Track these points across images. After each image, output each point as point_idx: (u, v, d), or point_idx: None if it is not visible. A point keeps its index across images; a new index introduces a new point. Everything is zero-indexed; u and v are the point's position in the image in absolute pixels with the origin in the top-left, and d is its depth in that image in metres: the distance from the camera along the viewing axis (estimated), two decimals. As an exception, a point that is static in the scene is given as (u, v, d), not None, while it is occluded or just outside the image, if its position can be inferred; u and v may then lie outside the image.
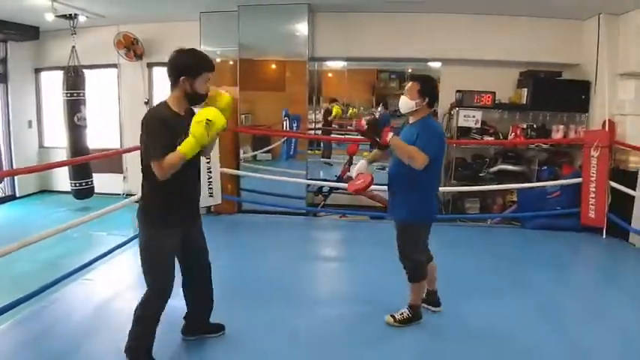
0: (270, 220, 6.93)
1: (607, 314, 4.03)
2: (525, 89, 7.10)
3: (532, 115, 7.21)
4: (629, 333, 3.68)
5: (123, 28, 8.11)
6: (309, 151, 8.04)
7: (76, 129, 7.65)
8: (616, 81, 6.53)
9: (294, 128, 7.76)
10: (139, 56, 8.26)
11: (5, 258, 3.67)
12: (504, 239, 6.33)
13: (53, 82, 8.52)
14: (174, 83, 2.75)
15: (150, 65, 8.51)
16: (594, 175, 6.23)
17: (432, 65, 7.58)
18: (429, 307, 3.91)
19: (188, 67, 2.74)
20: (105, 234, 6.36)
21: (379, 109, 8.41)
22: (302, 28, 7.21)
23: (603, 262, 5.76)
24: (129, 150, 6.48)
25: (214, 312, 3.42)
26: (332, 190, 7.62)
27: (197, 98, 2.83)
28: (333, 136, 8.83)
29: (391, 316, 3.68)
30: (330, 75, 8.68)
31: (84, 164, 7.66)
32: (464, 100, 7.03)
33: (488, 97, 6.98)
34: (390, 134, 3.25)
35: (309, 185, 7.53)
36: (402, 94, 3.48)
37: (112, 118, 8.81)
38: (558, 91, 6.96)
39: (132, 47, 8.16)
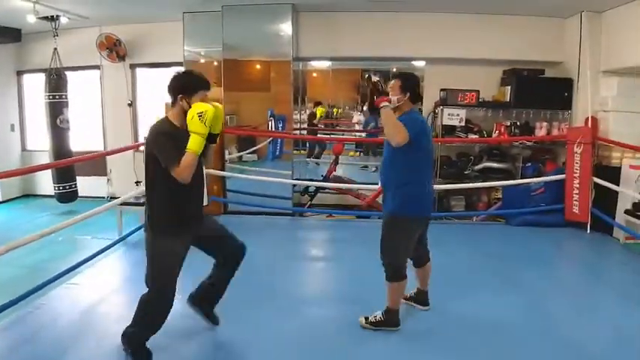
0: (257, 220, 6.90)
1: (595, 309, 4.08)
2: (509, 87, 7.17)
3: (515, 113, 7.27)
4: (617, 327, 3.72)
5: (105, 29, 8.06)
6: (295, 151, 8.03)
7: (58, 132, 7.57)
8: (598, 78, 6.61)
9: (280, 128, 7.74)
10: (121, 57, 8.20)
11: (-11, 263, 3.63)
12: (490, 236, 6.36)
13: (36, 85, 8.41)
14: (174, 101, 3.02)
15: (133, 66, 8.46)
16: (578, 171, 6.29)
17: (416, 64, 7.61)
18: (417, 305, 3.91)
19: (185, 86, 2.99)
20: (89, 237, 6.30)
21: (365, 107, 8.44)
22: (286, 28, 7.19)
23: (589, 257, 5.81)
24: (112, 152, 6.45)
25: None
26: (318, 190, 7.63)
27: None
28: (318, 135, 8.85)
29: (364, 317, 3.63)
30: (314, 75, 8.69)
31: (67, 167, 7.58)
32: (448, 98, 7.07)
33: (472, 95, 7.03)
34: (385, 102, 3.35)
35: (295, 185, 7.52)
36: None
37: (95, 120, 8.73)
38: (541, 89, 7.04)
39: (114, 48, 8.10)
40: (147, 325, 3.09)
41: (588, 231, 6.27)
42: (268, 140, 8.07)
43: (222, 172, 7.12)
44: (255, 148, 8.14)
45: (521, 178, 7.10)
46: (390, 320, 3.57)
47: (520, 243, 5.99)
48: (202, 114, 2.82)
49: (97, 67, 8.47)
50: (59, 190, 7.70)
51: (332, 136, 9.04)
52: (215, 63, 7.56)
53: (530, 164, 7.28)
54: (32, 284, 4.08)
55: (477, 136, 7.28)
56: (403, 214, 3.42)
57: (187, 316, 3.54)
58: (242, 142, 8.02)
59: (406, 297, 3.90)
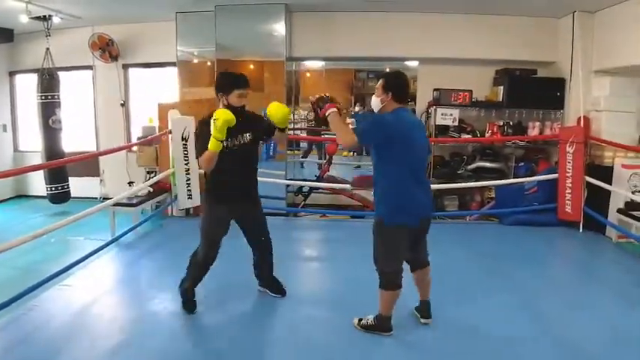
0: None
1: (588, 308, 4.08)
2: (501, 87, 7.20)
3: (508, 113, 7.30)
4: (611, 325, 3.73)
5: (98, 29, 8.01)
6: (289, 152, 8.02)
7: (51, 132, 7.51)
8: (591, 78, 6.63)
9: (274, 128, 7.70)
10: (114, 57, 8.16)
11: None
12: (483, 235, 6.38)
13: (28, 85, 8.36)
14: (218, 99, 3.61)
15: (125, 66, 8.42)
16: (570, 170, 6.32)
17: (409, 64, 7.62)
18: (418, 316, 3.71)
19: (222, 85, 3.62)
20: (82, 238, 6.26)
21: (357, 108, 8.45)
22: (279, 28, 7.18)
23: (582, 256, 5.84)
24: (105, 152, 6.40)
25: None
26: (312, 190, 7.63)
27: (232, 109, 3.48)
28: (310, 136, 8.85)
29: (358, 319, 3.59)
30: (308, 75, 8.69)
31: (60, 168, 7.51)
32: (441, 98, 7.09)
33: (466, 95, 7.06)
34: (330, 110, 3.35)
35: (288, 185, 7.52)
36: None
37: (87, 120, 8.69)
38: (534, 89, 7.07)
39: (107, 48, 8.06)
40: (192, 277, 3.79)
41: (581, 230, 6.30)
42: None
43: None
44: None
45: (514, 178, 7.13)
46: (381, 325, 3.49)
47: (513, 242, 6.01)
48: (216, 120, 3.24)
49: (89, 67, 8.42)
50: (52, 190, 7.64)
51: (324, 136, 9.02)
52: (208, 63, 7.52)
53: (522, 164, 7.31)
54: (25, 286, 4.04)
55: (470, 136, 7.30)
56: (388, 222, 3.28)
57: (180, 316, 3.53)
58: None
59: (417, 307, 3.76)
